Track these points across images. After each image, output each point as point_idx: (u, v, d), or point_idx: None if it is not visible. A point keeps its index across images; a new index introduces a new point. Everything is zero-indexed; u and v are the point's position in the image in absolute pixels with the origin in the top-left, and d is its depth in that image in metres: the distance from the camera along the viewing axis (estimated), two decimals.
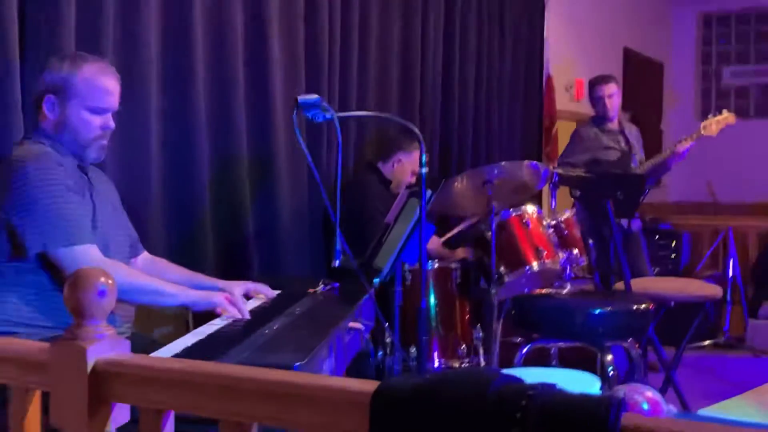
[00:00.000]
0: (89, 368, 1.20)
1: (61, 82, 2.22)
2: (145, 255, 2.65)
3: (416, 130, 2.48)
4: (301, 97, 2.13)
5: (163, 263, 2.68)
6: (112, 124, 2.30)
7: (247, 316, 2.27)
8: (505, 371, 1.02)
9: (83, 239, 2.12)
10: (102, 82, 2.26)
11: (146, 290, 2.24)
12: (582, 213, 4.25)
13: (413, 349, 3.55)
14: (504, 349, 3.84)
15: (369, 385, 1.05)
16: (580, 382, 2.53)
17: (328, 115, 2.16)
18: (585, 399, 0.91)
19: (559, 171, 4.43)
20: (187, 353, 1.81)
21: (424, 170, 2.36)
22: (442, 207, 4.08)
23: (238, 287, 2.57)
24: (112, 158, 2.90)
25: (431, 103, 5.03)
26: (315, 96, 2.14)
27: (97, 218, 2.23)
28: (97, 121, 2.25)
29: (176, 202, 3.28)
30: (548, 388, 0.94)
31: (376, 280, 2.75)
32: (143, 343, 2.22)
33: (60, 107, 2.23)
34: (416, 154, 4.07)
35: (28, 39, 2.65)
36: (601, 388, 2.58)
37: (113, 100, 2.30)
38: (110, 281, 1.23)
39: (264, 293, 2.64)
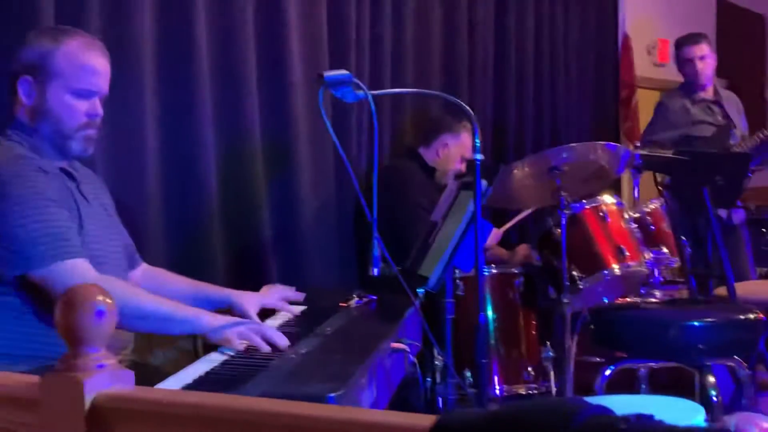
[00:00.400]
0: (87, 404, 1.21)
1: (39, 60, 2.24)
2: (144, 267, 2.68)
3: (465, 107, 2.48)
4: (328, 73, 2.14)
5: (164, 275, 2.71)
6: (99, 110, 2.32)
7: (285, 343, 2.16)
8: (591, 400, 1.02)
9: (70, 253, 2.13)
10: (88, 60, 2.28)
11: (151, 314, 2.20)
12: (672, 203, 4.20)
13: (469, 374, 3.55)
14: (580, 372, 3.80)
15: (422, 420, 1.04)
16: (680, 411, 2.50)
17: (360, 94, 2.16)
18: None
19: (642, 152, 4.39)
20: (200, 384, 1.83)
21: (479, 156, 2.36)
22: (499, 200, 4.07)
23: (254, 299, 2.60)
24: (100, 153, 2.93)
25: (482, 77, 5.02)
26: (344, 71, 2.15)
27: (85, 229, 2.25)
28: (82, 106, 2.27)
29: (178, 203, 3.31)
30: (645, 421, 0.93)
31: (422, 291, 2.75)
32: (146, 373, 2.24)
33: (38, 90, 2.25)
34: (465, 136, 4.07)
35: None
36: (706, 419, 2.55)
37: (101, 82, 2.32)
38: (109, 300, 1.24)
39: (284, 310, 2.67)
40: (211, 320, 2.23)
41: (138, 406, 1.23)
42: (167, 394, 1.35)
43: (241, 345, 2.15)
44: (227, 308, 2.64)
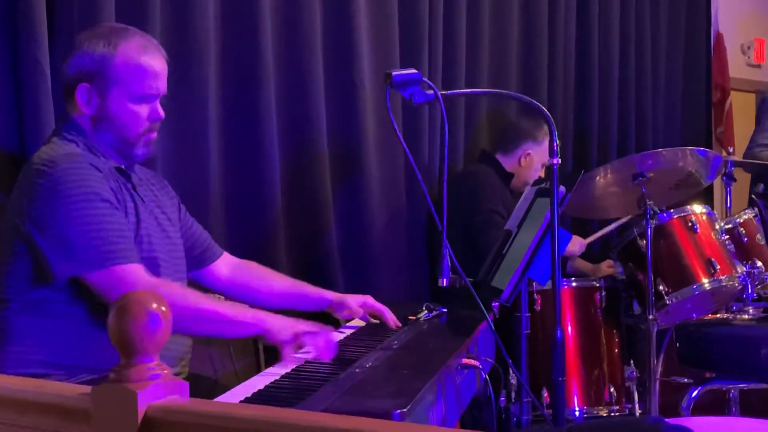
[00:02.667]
0: (140, 417, 1.22)
1: (97, 67, 2.26)
2: (230, 259, 2.72)
3: (542, 108, 2.46)
4: (396, 72, 2.13)
5: (259, 269, 2.76)
6: (161, 112, 2.34)
7: (329, 357, 2.21)
8: (671, 421, 0.99)
9: (125, 257, 2.15)
10: (146, 63, 2.30)
11: (211, 317, 2.22)
12: (766, 213, 4.11)
13: (546, 393, 3.51)
14: (666, 393, 3.74)
15: None
16: None
17: (430, 94, 2.16)
18: None
19: (735, 159, 4.30)
20: (259, 398, 1.84)
21: (556, 161, 2.33)
22: (580, 209, 4.03)
23: (355, 301, 2.65)
24: (162, 155, 2.99)
25: (562, 79, 4.97)
26: (413, 70, 2.14)
27: (141, 231, 2.28)
28: (144, 111, 2.30)
29: (241, 209, 3.35)
30: None
31: (496, 305, 2.73)
32: (204, 386, 2.26)
33: (99, 98, 2.27)
34: (546, 143, 4.04)
35: (56, 5, 2.75)
36: None
37: (161, 84, 2.34)
38: (164, 307, 1.25)
39: (385, 317, 2.68)
40: (271, 321, 2.25)
41: (192, 419, 1.23)
42: (223, 407, 1.36)
43: (291, 352, 2.20)
44: (328, 309, 2.68)
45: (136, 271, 2.16)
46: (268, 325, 2.25)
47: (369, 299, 2.72)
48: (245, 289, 2.69)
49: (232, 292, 2.72)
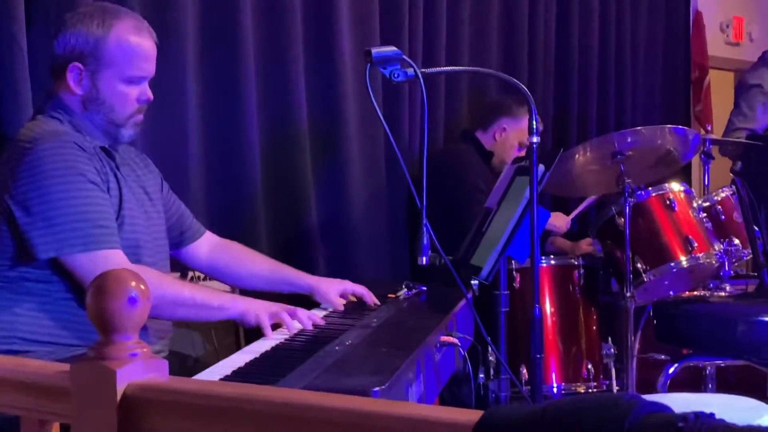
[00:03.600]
0: (119, 394, 1.21)
1: (90, 48, 2.23)
2: (212, 238, 2.71)
3: (523, 88, 2.45)
4: (376, 50, 2.12)
5: (241, 250, 2.74)
6: (149, 94, 2.33)
7: (309, 325, 2.29)
8: (648, 397, 1.00)
9: (106, 242, 2.14)
10: (139, 45, 2.28)
11: (187, 301, 2.24)
12: (743, 191, 4.13)
13: (524, 370, 3.53)
14: (644, 370, 3.78)
15: (468, 416, 1.03)
16: (744, 411, 2.46)
17: (410, 72, 2.15)
18: None
19: (713, 137, 4.32)
20: (239, 376, 1.84)
21: (535, 139, 2.33)
22: (560, 188, 4.04)
23: (333, 286, 2.65)
24: (141, 138, 2.95)
25: (543, 57, 4.97)
26: (393, 48, 2.14)
27: (124, 212, 2.27)
28: (133, 92, 2.29)
29: (220, 190, 3.34)
30: (704, 419, 0.91)
31: (475, 283, 2.73)
32: (183, 365, 2.26)
33: (90, 79, 2.25)
34: (524, 121, 4.02)
35: None
36: None
37: (151, 66, 2.33)
38: (143, 286, 1.25)
39: (365, 297, 2.69)
40: (247, 304, 2.30)
41: (171, 397, 1.23)
42: (202, 384, 1.36)
43: (269, 327, 2.25)
44: (308, 293, 2.68)
45: (117, 256, 2.15)
46: (243, 307, 2.29)
47: (347, 285, 2.71)
48: (225, 271, 2.69)
49: (212, 273, 2.72)
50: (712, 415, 0.93)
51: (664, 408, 0.96)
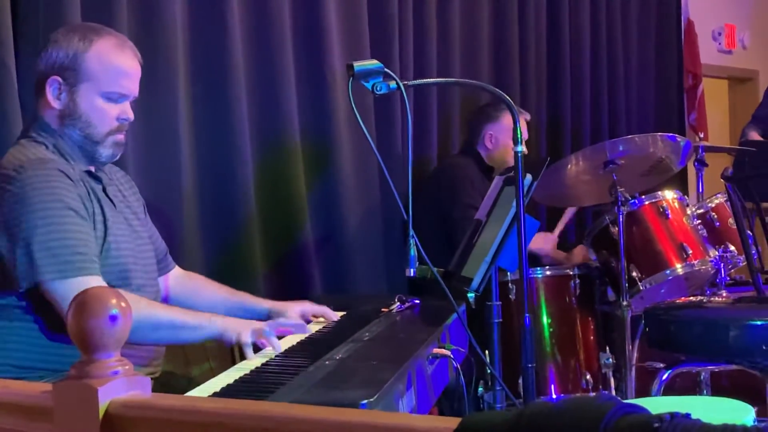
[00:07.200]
0: (101, 412, 1.22)
1: (70, 62, 2.24)
2: (176, 272, 2.70)
3: (501, 93, 2.43)
4: (358, 63, 2.13)
5: (199, 280, 2.74)
6: (130, 114, 2.33)
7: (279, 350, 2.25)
8: (631, 401, 1.00)
9: (84, 269, 2.13)
10: (119, 62, 2.29)
11: (165, 324, 2.24)
12: (734, 197, 4.13)
13: (521, 382, 3.52)
14: (643, 379, 3.76)
15: (446, 422, 1.03)
16: (727, 412, 2.46)
17: (392, 85, 2.16)
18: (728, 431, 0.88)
19: (705, 144, 4.33)
20: (229, 392, 1.84)
21: (520, 149, 2.33)
22: (552, 198, 4.04)
23: (293, 309, 2.61)
24: (132, 154, 2.97)
25: (535, 68, 4.99)
26: (374, 61, 2.14)
27: (110, 237, 2.26)
28: (113, 110, 2.28)
29: (214, 207, 3.34)
30: (679, 420, 0.92)
31: (472, 295, 2.73)
32: (179, 383, 2.26)
33: (68, 93, 2.25)
34: (506, 118, 4.03)
35: (21, 6, 2.74)
36: (756, 420, 2.51)
37: (133, 85, 2.33)
38: (123, 303, 1.25)
39: (326, 316, 2.67)
40: (224, 322, 2.29)
41: (154, 414, 1.23)
42: (186, 401, 1.36)
43: (250, 346, 2.23)
44: (266, 318, 2.67)
45: (95, 283, 2.12)
46: (221, 326, 2.28)
47: (306, 305, 2.69)
48: (186, 302, 2.66)
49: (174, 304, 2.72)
50: (687, 415, 0.93)
51: (639, 409, 0.96)
